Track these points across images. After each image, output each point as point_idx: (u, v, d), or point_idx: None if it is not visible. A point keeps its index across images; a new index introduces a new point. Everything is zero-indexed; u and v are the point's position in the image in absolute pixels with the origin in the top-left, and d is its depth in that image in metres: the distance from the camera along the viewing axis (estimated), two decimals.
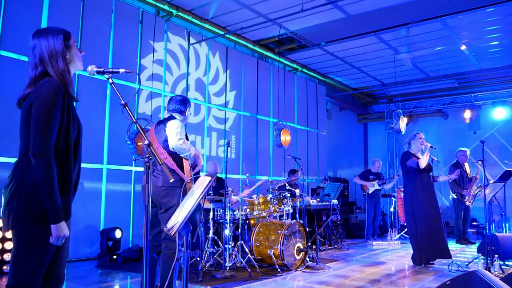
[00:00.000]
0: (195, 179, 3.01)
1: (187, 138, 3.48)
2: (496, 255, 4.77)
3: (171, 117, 3.53)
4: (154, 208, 3.37)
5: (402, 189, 9.08)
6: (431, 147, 5.42)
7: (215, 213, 5.15)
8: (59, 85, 1.85)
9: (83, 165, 2.06)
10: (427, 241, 5.18)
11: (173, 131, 3.32)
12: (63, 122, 1.83)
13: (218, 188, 5.72)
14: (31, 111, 1.78)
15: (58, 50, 1.91)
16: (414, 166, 5.33)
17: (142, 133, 2.00)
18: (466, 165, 7.81)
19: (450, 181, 7.77)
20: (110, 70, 2.00)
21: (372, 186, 8.23)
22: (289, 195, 5.77)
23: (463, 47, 8.55)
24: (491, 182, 5.24)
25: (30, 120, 1.78)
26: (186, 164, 3.32)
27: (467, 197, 7.55)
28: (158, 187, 3.30)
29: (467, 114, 10.65)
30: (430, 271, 5.03)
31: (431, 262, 5.31)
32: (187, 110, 3.62)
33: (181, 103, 3.60)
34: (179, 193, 3.24)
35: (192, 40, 7.48)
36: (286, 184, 6.33)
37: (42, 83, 1.83)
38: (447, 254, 5.20)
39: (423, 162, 5.29)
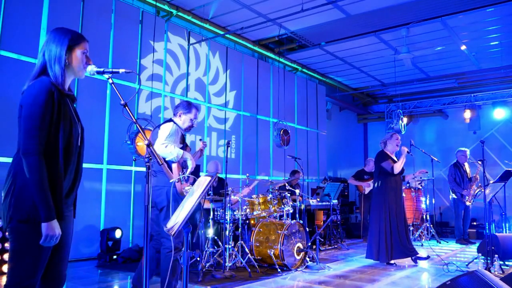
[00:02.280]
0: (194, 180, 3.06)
1: (183, 142, 3.54)
2: (496, 255, 4.77)
3: (169, 120, 3.60)
4: (153, 207, 3.43)
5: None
6: (408, 152, 5.41)
7: (215, 213, 5.15)
8: (50, 85, 1.85)
9: (83, 165, 2.07)
10: (394, 241, 5.26)
11: (161, 134, 3.42)
12: (53, 122, 1.83)
13: (219, 188, 5.72)
14: (22, 112, 1.81)
15: (56, 53, 1.93)
16: (388, 169, 5.37)
17: (142, 133, 2.00)
18: (466, 165, 7.81)
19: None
20: (110, 70, 2.00)
21: (368, 186, 8.18)
22: (289, 195, 5.77)
23: (463, 47, 8.54)
24: (491, 182, 5.24)
25: (21, 120, 1.81)
26: (174, 166, 3.38)
27: (467, 197, 7.55)
28: (153, 187, 3.36)
29: (467, 114, 10.66)
30: (429, 271, 5.04)
31: (393, 261, 5.38)
32: (178, 113, 3.62)
33: (176, 107, 3.67)
34: (168, 193, 3.32)
35: (192, 40, 7.48)
36: (286, 184, 6.33)
37: (33, 84, 1.85)
38: (412, 253, 5.37)
39: (398, 167, 5.34)
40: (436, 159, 8.42)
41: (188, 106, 3.63)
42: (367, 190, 8.22)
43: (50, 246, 1.83)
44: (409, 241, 5.40)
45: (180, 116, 3.61)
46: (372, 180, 8.17)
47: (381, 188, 5.45)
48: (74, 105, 2.07)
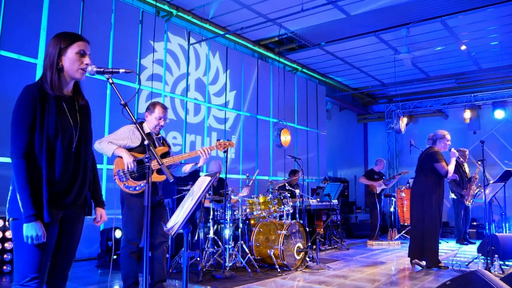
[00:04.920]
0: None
1: (153, 143, 3.62)
2: (496, 255, 4.77)
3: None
4: None
5: (402, 188, 9.09)
6: (458, 157, 5.15)
7: (215, 213, 5.15)
8: (34, 90, 1.89)
9: (88, 164, 2.09)
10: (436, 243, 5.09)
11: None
12: (35, 125, 1.87)
13: (219, 188, 5.72)
14: None
15: (50, 58, 1.96)
16: (442, 173, 5.13)
17: (142, 133, 2.00)
18: (465, 165, 7.80)
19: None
20: (110, 70, 2.01)
21: (380, 186, 8.18)
22: (289, 195, 5.77)
23: (463, 47, 8.55)
24: (491, 182, 5.24)
25: None
26: (114, 162, 3.68)
27: (466, 197, 7.55)
28: None
29: (467, 114, 10.66)
30: (429, 271, 5.03)
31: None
32: (145, 115, 3.69)
33: None
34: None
35: (192, 40, 7.48)
36: (286, 184, 6.33)
37: (22, 90, 1.92)
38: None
39: (451, 172, 5.12)
40: None
41: (152, 105, 3.64)
42: (378, 190, 8.21)
43: (46, 243, 1.88)
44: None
45: (146, 117, 3.64)
46: (382, 180, 8.15)
47: (431, 187, 5.15)
48: (81, 105, 2.12)
